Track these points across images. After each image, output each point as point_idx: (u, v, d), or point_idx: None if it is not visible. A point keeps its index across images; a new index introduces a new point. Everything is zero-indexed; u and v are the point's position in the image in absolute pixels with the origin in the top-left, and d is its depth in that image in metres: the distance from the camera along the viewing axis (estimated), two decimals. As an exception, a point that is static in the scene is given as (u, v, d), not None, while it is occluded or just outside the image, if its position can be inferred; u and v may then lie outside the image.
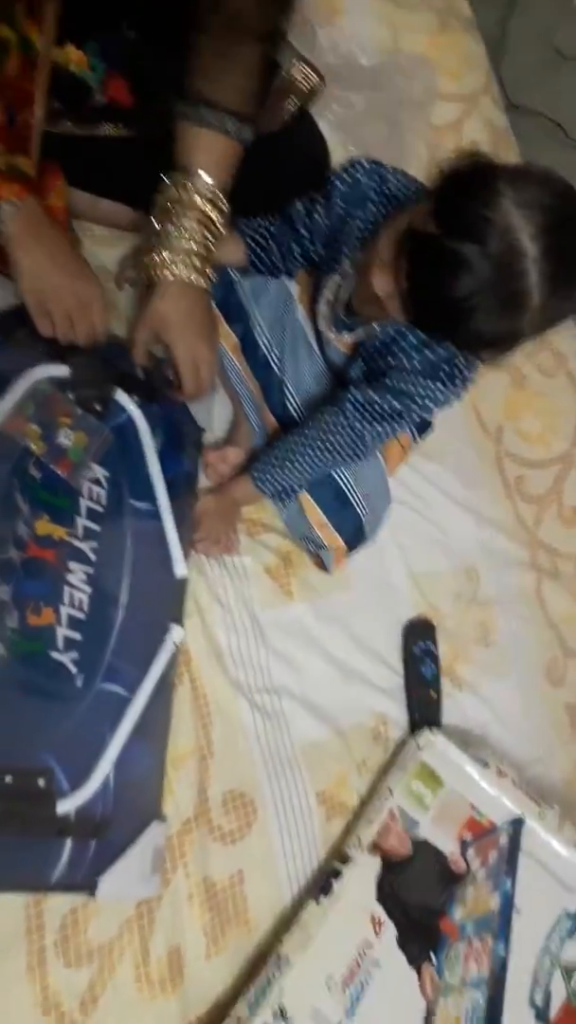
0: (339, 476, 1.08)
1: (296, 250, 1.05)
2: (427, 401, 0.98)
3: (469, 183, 0.78)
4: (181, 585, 1.02)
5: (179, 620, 1.00)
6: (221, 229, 0.96)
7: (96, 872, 0.85)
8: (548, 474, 1.43)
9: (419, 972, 0.98)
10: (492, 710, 1.22)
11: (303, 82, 1.06)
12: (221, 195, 0.94)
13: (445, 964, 1.00)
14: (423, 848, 1.05)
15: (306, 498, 1.08)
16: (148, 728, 0.92)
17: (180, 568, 1.01)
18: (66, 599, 0.91)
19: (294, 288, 1.10)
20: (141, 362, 1.00)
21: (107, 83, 0.99)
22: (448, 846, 1.06)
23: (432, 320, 0.83)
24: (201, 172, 0.92)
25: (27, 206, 0.82)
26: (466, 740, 1.15)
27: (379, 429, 1.01)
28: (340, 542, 1.08)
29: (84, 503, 0.96)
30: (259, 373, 1.09)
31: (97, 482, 0.98)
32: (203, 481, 1.10)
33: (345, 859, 1.01)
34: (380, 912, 0.99)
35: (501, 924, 1.02)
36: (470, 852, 1.07)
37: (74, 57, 0.93)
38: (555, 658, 1.31)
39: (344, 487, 1.08)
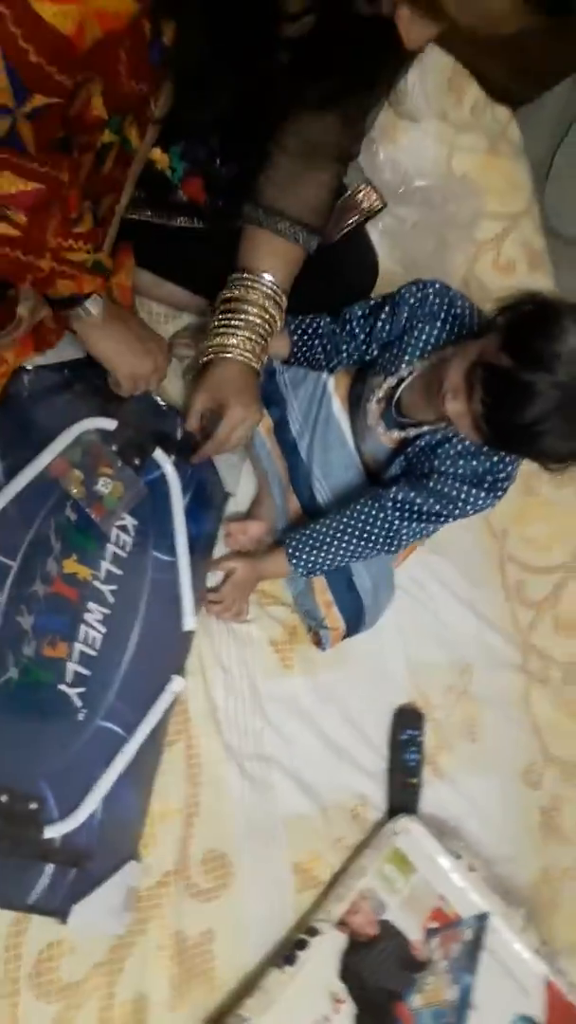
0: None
1: (346, 349, 1.13)
2: (467, 507, 1.06)
3: (536, 320, 0.88)
4: (188, 637, 1.07)
5: (181, 671, 1.04)
6: (279, 324, 1.05)
7: (71, 900, 0.88)
8: (548, 582, 1.48)
9: (372, 1056, 0.99)
10: (469, 804, 1.25)
11: (366, 202, 1.16)
12: (283, 295, 1.03)
13: (398, 1051, 1.01)
14: (389, 931, 1.07)
15: (318, 578, 1.13)
16: (138, 770, 0.96)
17: (189, 622, 1.06)
18: (81, 637, 0.97)
19: (331, 383, 1.17)
20: (192, 427, 1.07)
21: (185, 182, 1.08)
22: (413, 932, 1.08)
23: (505, 441, 0.94)
24: (267, 274, 1.02)
25: (104, 297, 0.91)
26: (441, 830, 1.18)
27: (416, 528, 1.08)
28: (341, 625, 1.13)
29: (111, 548, 1.02)
30: (289, 456, 1.16)
31: (125, 530, 1.04)
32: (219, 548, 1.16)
33: (313, 932, 1.03)
34: (341, 989, 1.01)
35: (457, 1018, 1.04)
36: (434, 941, 1.09)
37: (157, 157, 1.02)
38: (535, 762, 1.34)
39: (354, 574, 1.13)
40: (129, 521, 1.04)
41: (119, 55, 0.74)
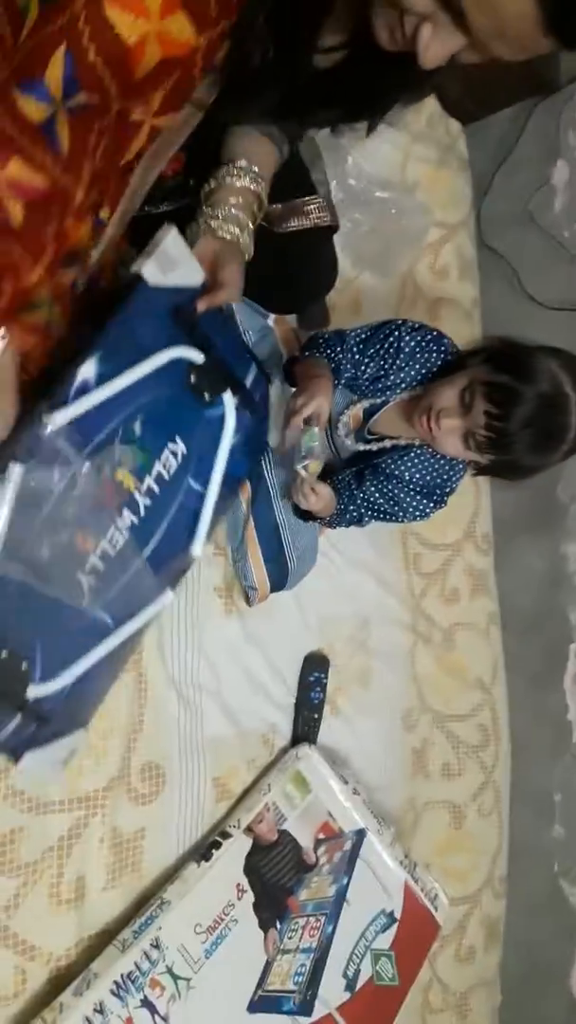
0: (282, 528, 1.29)
1: (342, 370, 1.24)
2: (415, 513, 1.26)
3: (516, 349, 1.10)
4: (190, 561, 1.16)
5: (174, 587, 1.14)
6: (264, 200, 1.09)
7: (25, 747, 0.98)
8: (440, 556, 1.71)
9: (266, 934, 1.20)
10: (357, 739, 1.47)
11: (315, 215, 1.24)
12: (262, 177, 1.08)
13: (286, 931, 1.23)
14: (286, 838, 1.28)
15: (253, 539, 1.28)
16: (112, 660, 1.06)
17: (197, 549, 1.14)
18: (108, 536, 1.04)
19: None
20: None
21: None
22: (305, 841, 1.30)
23: (496, 447, 1.08)
24: (244, 160, 1.06)
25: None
26: (333, 759, 1.39)
27: (374, 520, 1.28)
28: (267, 586, 1.29)
29: (158, 467, 1.08)
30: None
31: (175, 454, 1.11)
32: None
33: (225, 835, 1.22)
34: (244, 882, 1.21)
35: (334, 910, 1.27)
36: (321, 849, 1.31)
37: None
38: (412, 708, 1.58)
39: (284, 540, 1.29)
40: (180, 447, 1.10)
41: (164, 86, 0.80)
